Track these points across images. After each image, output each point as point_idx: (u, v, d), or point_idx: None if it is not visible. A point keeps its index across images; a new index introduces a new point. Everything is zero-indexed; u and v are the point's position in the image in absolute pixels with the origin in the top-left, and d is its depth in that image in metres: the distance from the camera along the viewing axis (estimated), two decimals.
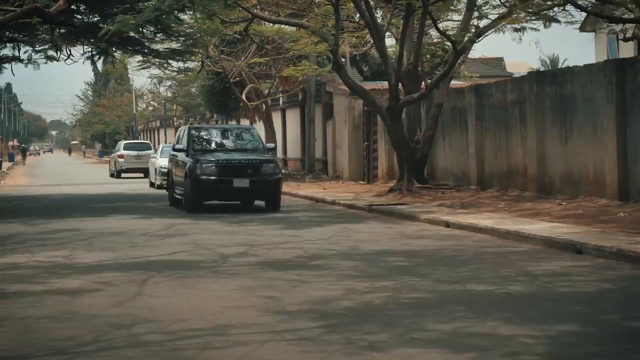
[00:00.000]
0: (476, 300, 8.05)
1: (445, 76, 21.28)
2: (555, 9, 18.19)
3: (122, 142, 46.12)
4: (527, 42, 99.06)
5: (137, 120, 73.32)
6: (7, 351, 6.43)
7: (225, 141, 20.16)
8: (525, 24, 19.51)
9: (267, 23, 26.92)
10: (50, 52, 25.08)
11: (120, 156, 41.61)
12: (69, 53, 24.53)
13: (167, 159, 22.59)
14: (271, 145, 20.52)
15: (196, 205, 18.48)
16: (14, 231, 15.28)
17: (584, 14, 19.97)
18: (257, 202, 20.49)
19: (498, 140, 20.58)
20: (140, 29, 19.08)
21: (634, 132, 15.66)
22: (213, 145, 19.95)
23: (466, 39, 20.17)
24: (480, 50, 68.20)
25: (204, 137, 20.50)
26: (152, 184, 30.14)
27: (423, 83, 22.98)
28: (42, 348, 6.45)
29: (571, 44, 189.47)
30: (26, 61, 26.00)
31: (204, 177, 18.29)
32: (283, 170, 35.12)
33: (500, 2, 20.16)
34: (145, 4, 20.37)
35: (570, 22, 21.71)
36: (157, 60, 28.05)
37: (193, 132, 20.29)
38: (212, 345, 6.44)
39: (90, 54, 25.95)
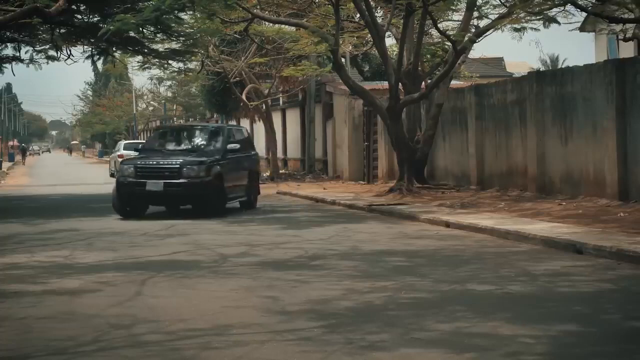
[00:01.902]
0: (476, 300, 8.05)
1: (445, 76, 21.28)
2: (555, 9, 18.19)
3: (122, 142, 46.14)
4: (527, 42, 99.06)
5: (137, 120, 73.34)
6: (7, 351, 6.43)
7: (175, 142, 19.60)
8: (525, 24, 19.50)
9: (267, 23, 26.91)
10: (51, 52, 25.12)
11: (120, 156, 41.56)
12: (69, 53, 24.54)
13: None
14: (235, 146, 19.19)
15: (120, 209, 17.98)
16: (14, 231, 15.29)
17: (584, 14, 19.94)
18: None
19: (498, 140, 20.57)
20: (141, 29, 19.06)
21: (634, 132, 15.65)
22: (161, 146, 19.49)
23: (466, 39, 20.16)
24: (480, 50, 68.32)
25: (159, 138, 20.28)
26: None
27: (423, 83, 22.98)
28: (42, 348, 6.45)
29: (571, 44, 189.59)
30: (27, 61, 26.03)
31: (122, 179, 17.99)
32: (282, 171, 35.36)
33: (500, 2, 20.15)
34: (146, 4, 20.37)
35: (570, 23, 21.72)
36: (157, 60, 28.04)
37: (154, 132, 20.20)
38: (212, 345, 6.44)
39: (90, 54, 25.97)
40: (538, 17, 18.44)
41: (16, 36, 24.56)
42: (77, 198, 25.15)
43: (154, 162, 18.09)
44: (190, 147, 19.16)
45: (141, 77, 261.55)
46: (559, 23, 18.31)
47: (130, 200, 18.06)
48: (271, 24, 27.06)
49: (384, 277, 9.44)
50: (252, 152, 21.06)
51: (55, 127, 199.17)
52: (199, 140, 19.64)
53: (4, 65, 27.23)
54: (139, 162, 18.36)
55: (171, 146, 19.38)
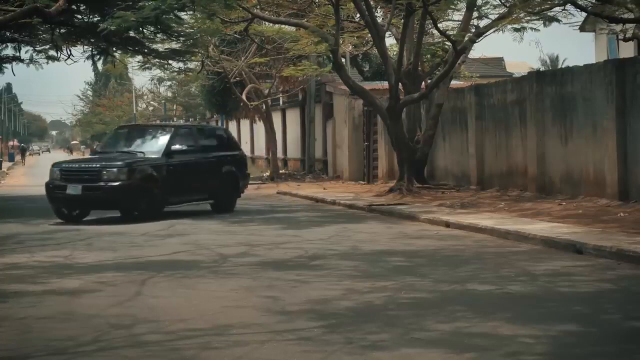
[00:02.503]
0: (476, 300, 8.05)
1: (445, 76, 21.28)
2: (555, 9, 18.19)
3: None
4: (527, 42, 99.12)
5: (137, 120, 73.32)
6: (7, 351, 6.43)
7: (123, 144, 18.89)
8: (525, 24, 19.50)
9: (267, 23, 26.91)
10: (51, 52, 25.13)
11: None
12: (69, 53, 24.53)
13: None
14: (180, 147, 18.09)
15: (56, 212, 17.61)
16: (14, 231, 15.29)
17: (584, 14, 19.94)
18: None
19: (498, 140, 20.57)
20: (141, 28, 19.06)
21: (634, 132, 15.65)
22: (109, 147, 19.08)
23: (466, 39, 20.16)
24: (480, 50, 68.26)
25: (112, 139, 19.98)
26: None
27: (423, 83, 22.98)
28: (42, 348, 6.45)
29: (571, 44, 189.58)
30: (27, 61, 26.04)
31: (49, 181, 17.78)
32: (282, 171, 35.36)
33: (500, 2, 20.16)
34: (146, 3, 20.37)
35: (571, 23, 21.75)
36: (157, 60, 28.04)
37: (111, 133, 19.86)
38: (212, 345, 6.44)
39: (90, 53, 25.97)
40: (538, 17, 18.44)
41: (16, 36, 24.57)
42: None
43: (76, 165, 17.87)
44: (132, 148, 18.44)
45: (141, 77, 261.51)
46: (559, 21, 18.32)
47: (58, 203, 17.61)
48: (271, 24, 27.06)
49: (384, 277, 9.44)
50: (231, 152, 19.90)
51: (55, 127, 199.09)
52: (144, 141, 18.71)
53: (4, 65, 27.25)
54: (64, 165, 18.15)
55: (117, 148, 18.75)
